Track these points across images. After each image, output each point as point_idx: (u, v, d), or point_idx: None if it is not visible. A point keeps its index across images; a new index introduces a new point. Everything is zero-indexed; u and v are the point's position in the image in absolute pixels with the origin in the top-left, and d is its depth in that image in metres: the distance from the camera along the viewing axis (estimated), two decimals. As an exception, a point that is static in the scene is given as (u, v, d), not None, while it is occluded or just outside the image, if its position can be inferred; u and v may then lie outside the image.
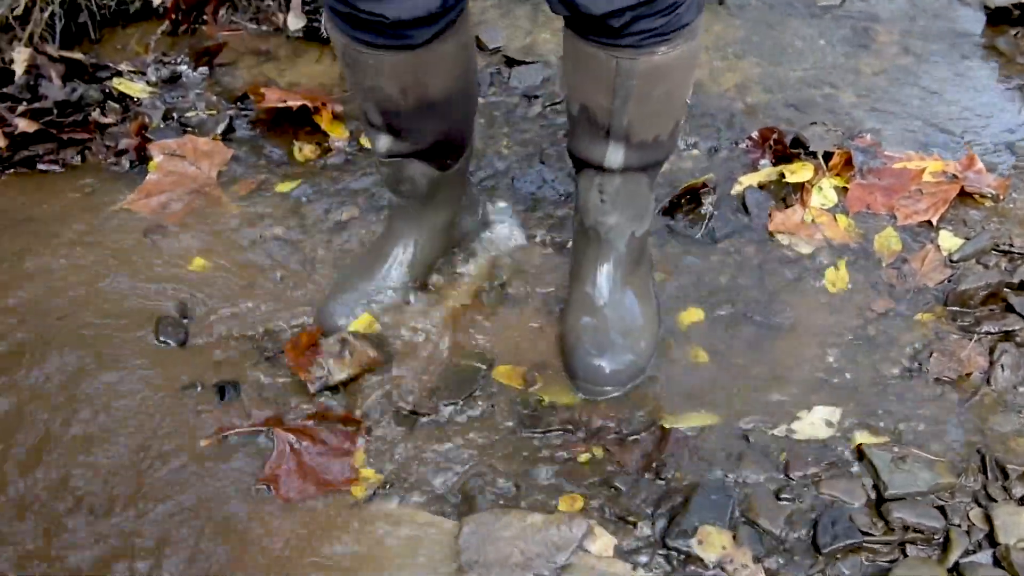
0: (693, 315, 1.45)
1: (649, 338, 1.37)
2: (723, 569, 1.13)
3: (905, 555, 1.14)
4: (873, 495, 1.21)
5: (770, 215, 1.61)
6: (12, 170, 1.75)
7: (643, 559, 1.15)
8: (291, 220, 1.63)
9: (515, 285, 1.49)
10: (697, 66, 1.23)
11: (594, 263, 1.35)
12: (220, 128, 1.82)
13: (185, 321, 1.44)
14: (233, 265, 1.54)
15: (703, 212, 1.61)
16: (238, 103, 1.91)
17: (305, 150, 1.79)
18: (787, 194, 1.65)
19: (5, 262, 1.55)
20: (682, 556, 1.15)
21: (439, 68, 1.20)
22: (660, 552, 1.16)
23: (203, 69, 2.02)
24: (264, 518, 1.20)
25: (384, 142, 1.29)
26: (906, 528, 1.16)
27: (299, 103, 1.81)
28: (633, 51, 1.11)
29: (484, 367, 1.38)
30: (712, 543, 1.15)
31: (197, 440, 1.28)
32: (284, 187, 1.70)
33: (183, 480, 1.24)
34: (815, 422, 1.30)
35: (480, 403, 1.33)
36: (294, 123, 1.83)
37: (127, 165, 1.76)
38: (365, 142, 1.80)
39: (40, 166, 1.75)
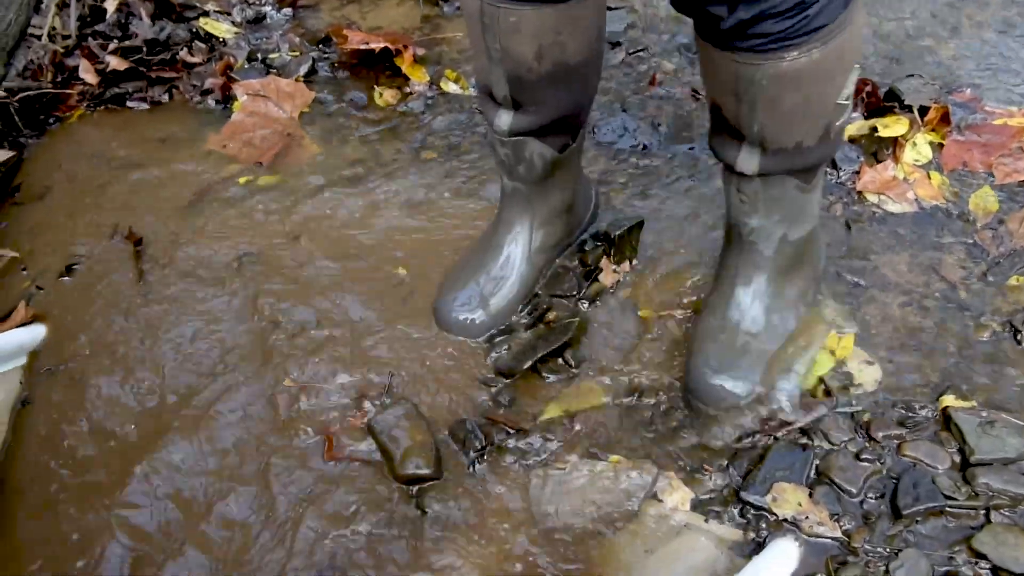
0: (775, 270, 1.42)
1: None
2: (798, 526, 1.12)
3: (990, 521, 1.11)
4: (958, 459, 1.18)
5: (860, 170, 1.55)
6: (103, 106, 1.79)
7: (716, 511, 1.15)
8: (370, 162, 1.64)
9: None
10: (851, 67, 1.05)
11: (733, 267, 1.24)
12: (303, 70, 1.84)
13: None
14: (313, 207, 1.56)
15: (789, 165, 1.57)
16: (320, 45, 1.92)
17: (386, 94, 1.79)
18: (879, 149, 1.59)
19: (96, 195, 1.60)
20: (756, 511, 1.14)
21: (578, 28, 1.12)
22: (734, 506, 1.15)
23: (287, 10, 2.03)
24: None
25: (505, 119, 1.21)
26: (992, 494, 1.13)
27: (381, 46, 1.81)
28: (754, 56, 0.99)
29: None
30: (787, 499, 1.14)
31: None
32: (365, 129, 1.71)
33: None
34: (860, 367, 1.28)
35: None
36: (375, 66, 1.84)
37: (212, 104, 1.79)
38: (445, 86, 1.79)
39: (129, 103, 1.80)
